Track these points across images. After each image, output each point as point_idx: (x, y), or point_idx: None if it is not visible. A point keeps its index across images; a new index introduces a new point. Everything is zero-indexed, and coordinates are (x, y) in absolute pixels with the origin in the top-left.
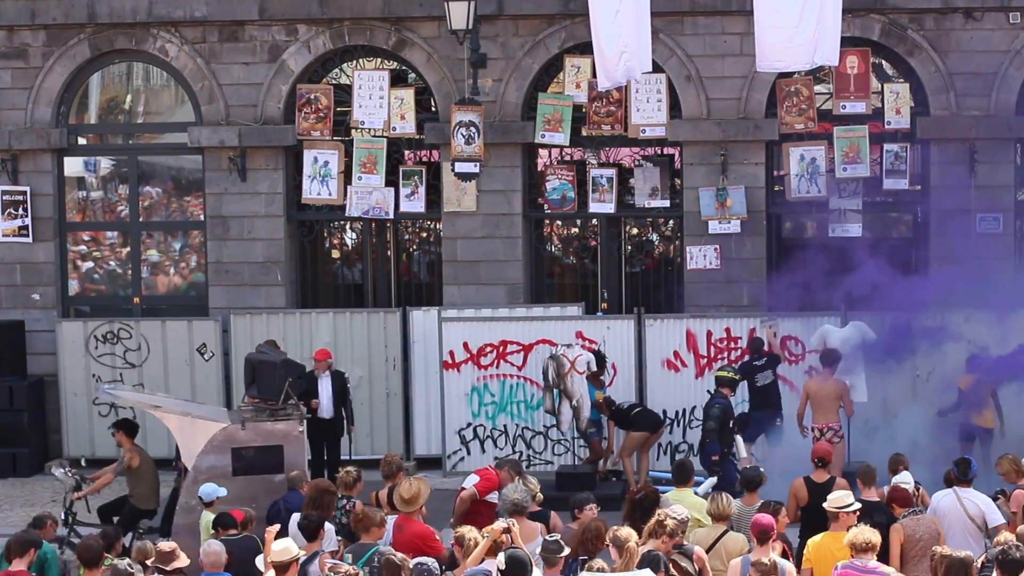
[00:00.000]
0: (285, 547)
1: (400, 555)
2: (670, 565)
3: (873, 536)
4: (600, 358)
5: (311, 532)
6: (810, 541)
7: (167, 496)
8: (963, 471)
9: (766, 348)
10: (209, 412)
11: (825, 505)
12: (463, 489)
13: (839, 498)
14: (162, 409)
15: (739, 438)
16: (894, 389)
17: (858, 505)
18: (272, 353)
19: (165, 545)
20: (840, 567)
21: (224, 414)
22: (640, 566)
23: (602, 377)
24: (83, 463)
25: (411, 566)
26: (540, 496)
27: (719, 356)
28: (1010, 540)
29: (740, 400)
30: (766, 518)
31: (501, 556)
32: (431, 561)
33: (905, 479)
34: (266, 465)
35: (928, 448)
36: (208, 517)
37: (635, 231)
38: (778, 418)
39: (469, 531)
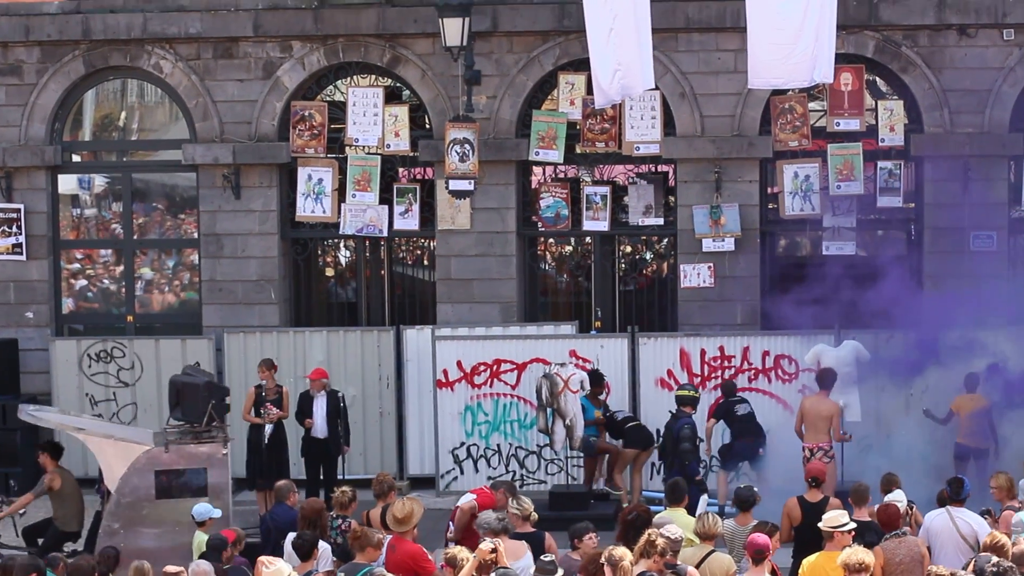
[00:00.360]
0: (277, 568)
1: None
2: None
3: (867, 557)
4: (597, 376)
5: (305, 552)
6: (805, 561)
7: None
8: (956, 490)
9: None
10: (132, 434)
11: (820, 525)
12: (458, 507)
13: (834, 517)
14: (85, 432)
15: None
16: (888, 407)
17: (853, 525)
18: (197, 375)
19: (171, 568)
20: None
21: (148, 436)
22: None
23: (601, 396)
24: (14, 486)
25: None
26: (535, 516)
27: (713, 375)
28: (1000, 540)
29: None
30: (762, 538)
31: None
32: None
33: (898, 498)
34: (190, 488)
35: (922, 467)
36: (201, 538)
37: (629, 249)
38: (760, 447)
39: (460, 551)
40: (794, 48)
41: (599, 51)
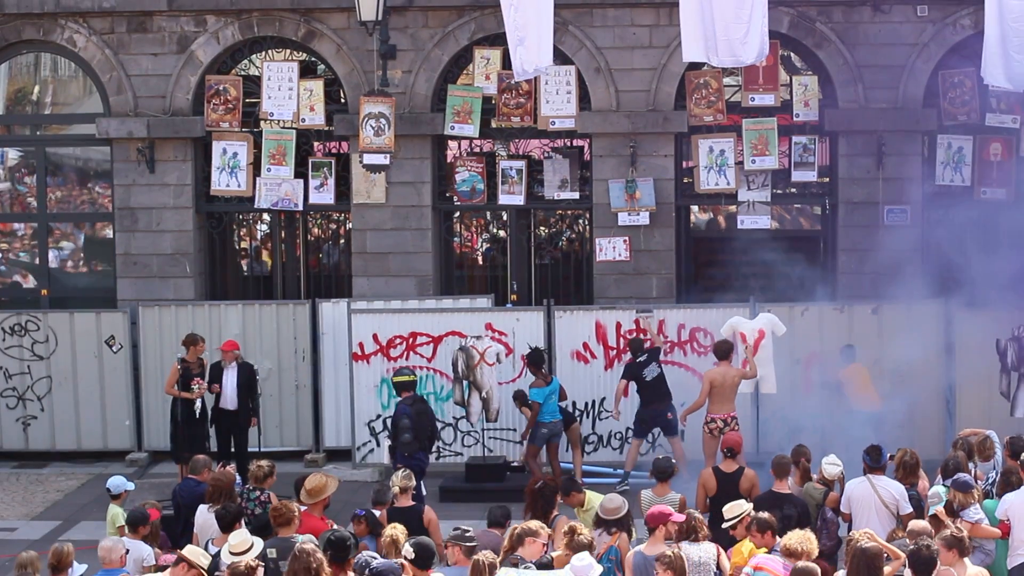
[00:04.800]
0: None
1: (313, 548)
2: None
3: (802, 545)
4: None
5: (227, 523)
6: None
7: None
8: (875, 458)
9: (647, 341)
10: None
11: (725, 514)
12: None
13: (730, 509)
14: None
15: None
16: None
17: (748, 509)
18: None
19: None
20: (756, 559)
21: None
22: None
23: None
24: None
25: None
26: (396, 490)
27: (628, 348)
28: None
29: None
30: (660, 508)
31: (407, 547)
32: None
33: (834, 461)
34: None
35: (837, 436)
36: (115, 510)
37: (544, 223)
38: (669, 411)
39: (394, 529)
40: (749, 27)
41: (507, 25)
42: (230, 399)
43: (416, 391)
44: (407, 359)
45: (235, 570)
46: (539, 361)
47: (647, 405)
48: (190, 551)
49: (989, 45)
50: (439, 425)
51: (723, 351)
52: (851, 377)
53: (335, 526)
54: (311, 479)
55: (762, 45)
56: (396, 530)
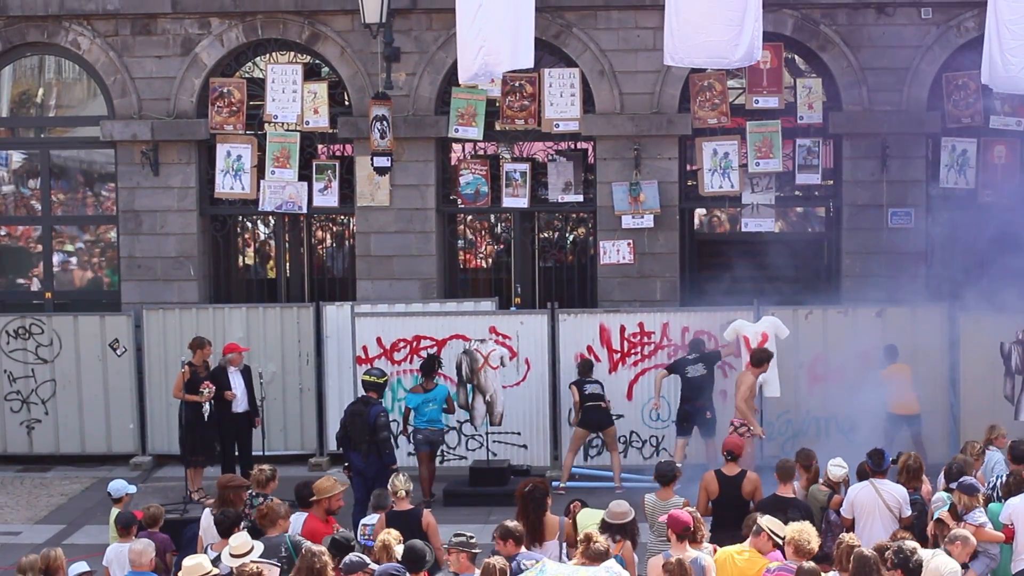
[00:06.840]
0: (198, 563)
1: (313, 545)
2: None
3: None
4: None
5: (226, 528)
6: (726, 552)
7: None
8: (877, 462)
9: (724, 347)
10: None
11: (760, 522)
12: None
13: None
14: None
15: None
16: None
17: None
18: None
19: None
20: (774, 569)
21: None
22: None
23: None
24: None
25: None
26: (402, 493)
27: (632, 351)
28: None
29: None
30: (685, 515)
31: (399, 548)
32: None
33: (839, 464)
34: None
35: (849, 440)
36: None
37: (548, 226)
38: (708, 410)
39: (389, 534)
40: (741, 28)
41: (465, 27)
42: (240, 402)
43: (382, 394)
44: (411, 362)
45: (243, 572)
46: (428, 369)
47: (687, 401)
48: (187, 569)
49: (989, 47)
50: (444, 428)
51: (758, 360)
52: (893, 377)
53: (340, 529)
54: (320, 481)
55: (751, 48)
56: (390, 535)
